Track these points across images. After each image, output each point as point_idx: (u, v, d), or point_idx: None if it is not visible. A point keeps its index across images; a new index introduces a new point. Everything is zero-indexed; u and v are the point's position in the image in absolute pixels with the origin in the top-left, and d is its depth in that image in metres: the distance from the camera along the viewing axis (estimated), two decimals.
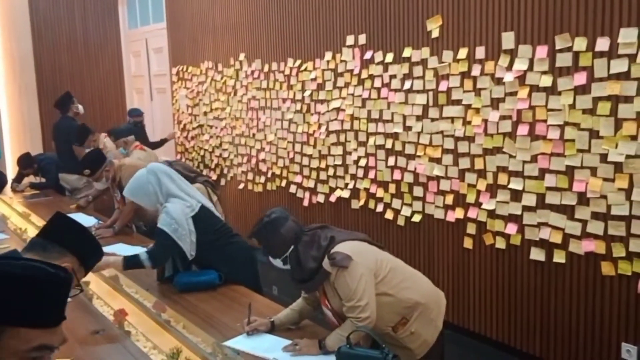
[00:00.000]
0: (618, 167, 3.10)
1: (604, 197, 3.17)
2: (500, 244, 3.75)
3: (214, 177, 6.64)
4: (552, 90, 3.36)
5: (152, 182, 3.22)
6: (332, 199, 5.09)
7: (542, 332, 3.61)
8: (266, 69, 5.77)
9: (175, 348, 2.32)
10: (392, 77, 4.37)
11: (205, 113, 6.90)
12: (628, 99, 3.02)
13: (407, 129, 4.27)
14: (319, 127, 5.16)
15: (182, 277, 3.14)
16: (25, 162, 6.37)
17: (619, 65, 3.03)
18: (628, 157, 3.04)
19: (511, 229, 3.66)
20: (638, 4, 2.94)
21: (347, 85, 4.81)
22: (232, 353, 2.34)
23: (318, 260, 2.40)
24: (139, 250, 3.75)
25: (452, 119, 3.95)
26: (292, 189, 5.54)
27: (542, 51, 3.38)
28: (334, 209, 5.14)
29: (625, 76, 3.02)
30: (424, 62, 4.11)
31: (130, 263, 3.09)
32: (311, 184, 5.35)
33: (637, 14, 2.95)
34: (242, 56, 6.11)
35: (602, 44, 3.09)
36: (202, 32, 6.78)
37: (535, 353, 3.65)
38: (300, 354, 2.36)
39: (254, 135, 6.06)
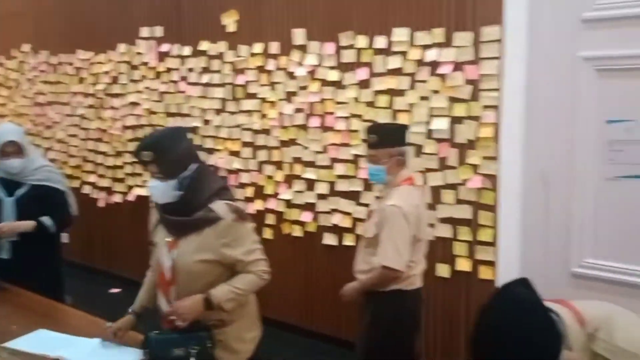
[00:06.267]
0: None
1: None
2: (297, 232, 3.90)
3: None
4: (339, 85, 3.60)
5: None
6: (131, 197, 4.88)
7: (333, 312, 3.82)
8: (54, 61, 5.35)
9: None
10: (190, 70, 4.33)
11: None
12: (402, 93, 3.34)
13: (206, 122, 4.26)
14: (114, 122, 4.92)
15: None
16: None
17: (394, 62, 3.35)
18: None
19: (307, 217, 3.84)
20: (407, 6, 3.28)
21: (143, 78, 4.66)
22: (8, 355, 2.11)
23: (212, 196, 2.06)
24: None
25: (250, 112, 4.03)
26: (86, 189, 5.20)
27: (329, 47, 3.61)
28: (133, 208, 4.92)
29: (399, 72, 3.34)
30: (221, 56, 4.14)
31: None
32: (107, 183, 5.08)
33: (407, 15, 3.29)
34: (26, 47, 5.59)
35: (380, 41, 3.39)
36: None
37: (328, 332, 3.86)
38: (185, 321, 1.99)
39: (41, 133, 5.58)
